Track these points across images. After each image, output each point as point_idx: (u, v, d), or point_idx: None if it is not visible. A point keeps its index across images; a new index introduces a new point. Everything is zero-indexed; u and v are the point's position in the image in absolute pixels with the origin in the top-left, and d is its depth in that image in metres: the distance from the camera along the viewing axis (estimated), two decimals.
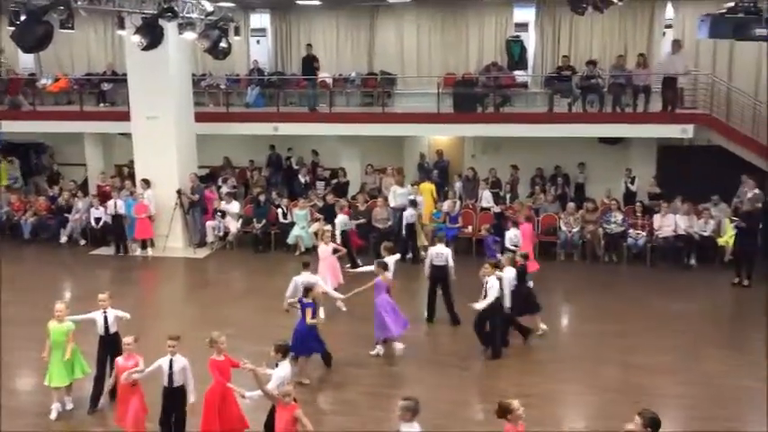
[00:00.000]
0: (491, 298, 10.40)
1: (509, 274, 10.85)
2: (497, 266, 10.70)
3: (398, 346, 10.85)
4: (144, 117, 16.38)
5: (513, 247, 13.17)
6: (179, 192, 16.46)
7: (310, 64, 19.23)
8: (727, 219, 15.10)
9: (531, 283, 11.56)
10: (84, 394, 9.30)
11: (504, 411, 6.48)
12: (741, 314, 12.94)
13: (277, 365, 7.83)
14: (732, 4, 10.45)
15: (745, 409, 9.34)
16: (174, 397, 8.04)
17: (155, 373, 8.07)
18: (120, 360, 8.40)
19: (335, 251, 12.40)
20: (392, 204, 16.37)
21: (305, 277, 10.56)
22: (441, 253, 11.91)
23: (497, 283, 10.45)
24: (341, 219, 14.83)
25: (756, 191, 15.45)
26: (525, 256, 11.52)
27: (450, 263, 11.94)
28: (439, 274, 11.92)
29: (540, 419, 8.71)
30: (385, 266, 10.83)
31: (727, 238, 14.73)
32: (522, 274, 11.10)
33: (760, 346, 11.26)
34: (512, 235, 13.58)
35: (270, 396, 7.39)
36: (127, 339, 8.43)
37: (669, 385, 9.89)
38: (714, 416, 9.01)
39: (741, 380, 9.98)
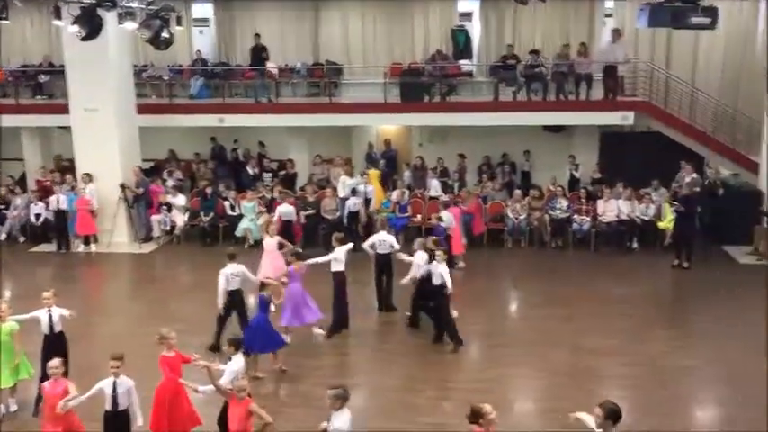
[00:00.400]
0: (436, 282, 10.54)
1: (420, 258, 11.03)
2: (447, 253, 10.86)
3: (318, 331, 11.03)
4: (83, 109, 15.94)
5: (442, 224, 13.60)
6: (122, 186, 16.10)
7: (259, 54, 18.94)
8: (666, 203, 15.57)
9: (461, 264, 11.78)
10: (29, 396, 9.05)
11: (476, 416, 6.29)
12: (681, 296, 13.40)
13: (230, 359, 7.77)
14: None
15: (686, 387, 9.68)
16: (118, 421, 7.50)
17: (95, 396, 7.47)
18: (46, 386, 7.67)
19: (281, 245, 12.29)
20: (341, 195, 16.34)
21: (231, 269, 10.40)
22: (384, 240, 11.98)
23: (445, 270, 10.57)
24: (284, 209, 14.80)
25: (694, 175, 15.96)
26: (436, 242, 11.58)
27: (397, 246, 12.07)
28: (383, 261, 12.00)
29: (492, 403, 8.80)
30: (298, 255, 10.83)
31: (667, 222, 15.20)
32: (433, 259, 11.23)
33: (699, 326, 11.71)
34: (445, 217, 13.84)
35: (223, 392, 7.32)
36: (53, 363, 7.64)
37: (615, 366, 10.20)
38: (658, 395, 9.32)
39: (683, 360, 10.35)
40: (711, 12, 10.57)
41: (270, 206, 15.97)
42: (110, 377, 7.45)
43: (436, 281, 10.60)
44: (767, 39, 16.56)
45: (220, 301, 10.38)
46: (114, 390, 7.42)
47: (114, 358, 7.49)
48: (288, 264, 10.90)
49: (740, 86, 18.55)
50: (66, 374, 7.82)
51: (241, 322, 10.51)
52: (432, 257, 11.00)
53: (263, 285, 9.94)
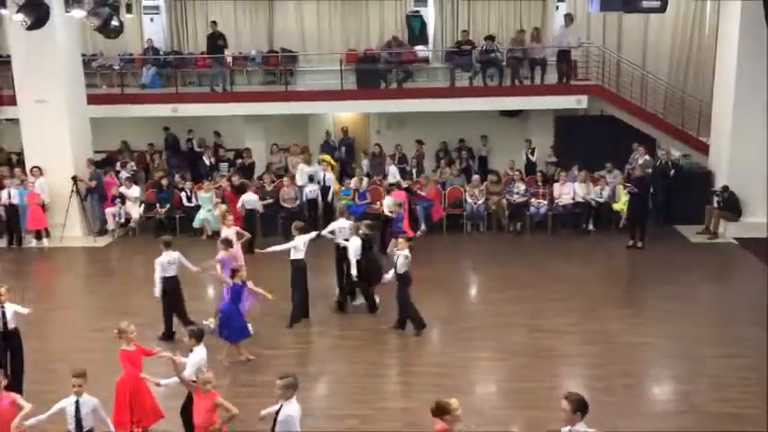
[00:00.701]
0: (399, 270, 10.61)
1: (354, 243, 11.23)
2: (410, 240, 10.88)
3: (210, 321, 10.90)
4: (32, 101, 15.51)
5: (389, 213, 13.96)
6: (74, 178, 15.74)
7: (215, 42, 18.65)
8: (620, 185, 15.88)
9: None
10: None
11: (441, 411, 5.98)
12: (636, 275, 13.70)
13: (191, 351, 7.69)
14: None
15: (643, 364, 9.91)
16: None
17: (54, 417, 6.89)
18: None
19: (239, 235, 12.15)
20: (299, 183, 16.26)
21: (167, 256, 10.40)
22: (343, 227, 12.00)
23: (407, 258, 10.62)
24: (248, 197, 14.71)
25: (647, 157, 16.29)
26: (370, 227, 11.82)
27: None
28: (343, 248, 12.00)
29: (455, 387, 8.97)
30: (228, 243, 10.80)
31: (622, 203, 15.50)
32: (366, 243, 11.44)
33: (654, 302, 11.99)
34: (389, 202, 14.15)
35: (188, 384, 7.24)
36: None
37: (573, 346, 10.39)
38: (615, 372, 9.53)
39: (639, 337, 10.59)
40: None
41: (223, 198, 15.83)
42: (71, 396, 6.87)
43: (400, 269, 10.62)
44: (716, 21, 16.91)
45: (157, 289, 10.43)
46: (77, 410, 6.83)
47: (76, 375, 6.84)
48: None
49: (689, 69, 19.02)
50: (18, 376, 7.49)
51: (178, 310, 10.56)
52: (366, 244, 11.29)
53: (233, 272, 9.81)
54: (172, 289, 10.48)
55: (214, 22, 18.89)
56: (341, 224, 12.04)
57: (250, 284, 10.02)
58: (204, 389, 6.95)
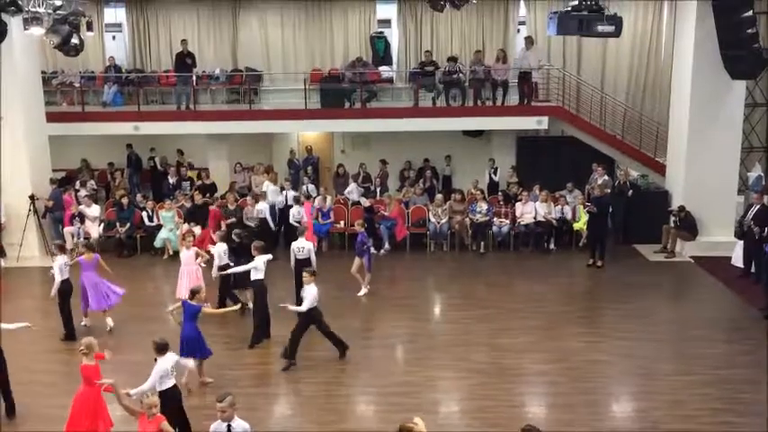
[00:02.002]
0: (306, 305, 10.23)
1: (220, 248, 11.84)
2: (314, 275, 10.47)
3: (108, 321, 11.68)
4: None
5: (296, 223, 14.95)
6: (32, 197, 15.46)
7: (184, 60, 18.56)
8: (580, 204, 16.13)
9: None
10: None
11: None
12: (595, 293, 13.87)
13: (156, 361, 7.82)
14: (576, 2, 11.17)
15: (602, 382, 10.02)
16: None
17: None
18: None
19: (198, 256, 12.05)
20: (270, 200, 16.20)
21: (63, 259, 11.29)
22: (302, 247, 12.03)
23: (314, 292, 10.30)
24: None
25: (606, 177, 16.61)
26: (239, 236, 12.49)
27: (313, 256, 12.08)
28: (303, 267, 11.97)
29: (417, 406, 8.99)
30: (89, 247, 11.91)
31: (582, 223, 15.75)
32: (241, 250, 11.98)
33: (612, 321, 12.17)
34: (295, 212, 15.41)
35: (131, 411, 7.14)
36: None
37: (534, 364, 10.48)
38: (574, 389, 9.64)
39: (598, 355, 10.73)
40: (616, 20, 11.08)
41: (195, 216, 15.63)
42: (220, 423, 6.79)
43: (308, 304, 10.29)
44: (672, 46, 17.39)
45: (54, 290, 11.24)
46: None
47: (220, 401, 6.75)
48: (81, 254, 11.80)
49: (646, 92, 19.51)
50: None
51: (63, 309, 11.35)
52: (241, 250, 11.97)
53: (193, 294, 9.72)
54: (67, 290, 11.33)
55: (184, 41, 18.83)
56: (301, 244, 12.09)
57: (207, 308, 9.94)
58: (149, 413, 6.89)
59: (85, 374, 7.95)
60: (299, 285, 12.03)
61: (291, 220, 15.49)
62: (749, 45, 13.67)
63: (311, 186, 17.40)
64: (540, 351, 10.87)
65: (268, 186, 16.49)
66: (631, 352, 10.80)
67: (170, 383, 7.89)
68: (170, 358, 7.93)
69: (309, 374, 10.25)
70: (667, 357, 10.64)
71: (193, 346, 9.57)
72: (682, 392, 9.50)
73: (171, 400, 7.83)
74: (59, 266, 11.21)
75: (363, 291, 13.24)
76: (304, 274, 10.49)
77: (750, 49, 13.70)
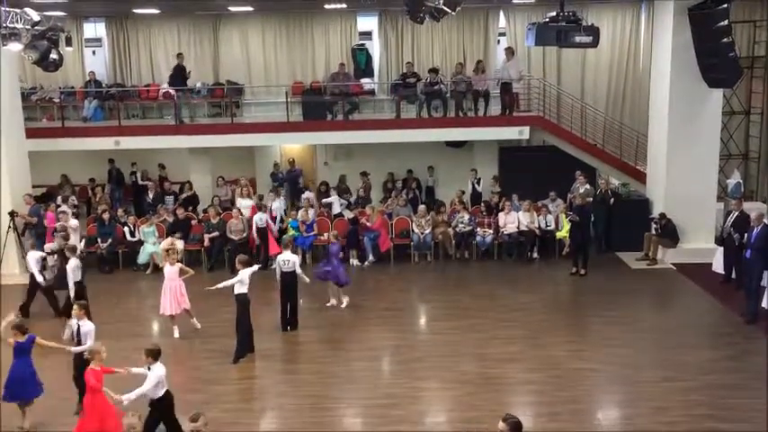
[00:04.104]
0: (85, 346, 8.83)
1: (73, 263, 11.68)
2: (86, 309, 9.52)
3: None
4: None
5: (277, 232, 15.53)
6: (12, 213, 15.30)
7: (181, 73, 18.44)
8: (563, 213, 16.22)
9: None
10: None
11: None
12: (579, 301, 13.92)
13: (149, 369, 7.84)
14: (554, 13, 11.27)
15: (587, 389, 10.05)
16: None
17: None
18: None
19: (182, 272, 11.95)
20: (247, 215, 16.16)
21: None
22: (287, 260, 12.01)
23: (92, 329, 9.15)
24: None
25: (587, 186, 16.72)
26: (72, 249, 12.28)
27: (298, 269, 12.06)
28: (288, 280, 12.00)
29: (404, 417, 8.97)
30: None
31: (565, 231, 15.83)
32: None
33: (596, 329, 12.22)
34: (257, 218, 15.39)
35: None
36: None
37: (520, 373, 10.48)
38: (559, 398, 9.63)
39: (583, 363, 10.75)
40: (593, 31, 11.17)
41: (178, 230, 15.76)
42: None
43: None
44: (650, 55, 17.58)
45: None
46: None
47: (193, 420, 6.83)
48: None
49: (625, 102, 19.70)
50: None
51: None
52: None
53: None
54: None
55: (180, 55, 18.80)
56: (286, 257, 12.05)
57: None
58: None
59: (86, 378, 8.01)
60: (285, 298, 12.04)
61: (254, 226, 15.42)
62: (726, 54, 13.85)
63: (333, 198, 17.37)
64: (525, 360, 10.87)
65: (240, 202, 16.51)
66: (616, 359, 10.83)
67: (164, 390, 7.92)
68: (161, 366, 7.95)
69: (294, 388, 10.18)
70: (651, 364, 10.68)
71: (17, 384, 8.78)
72: (666, 399, 9.53)
73: (166, 407, 7.87)
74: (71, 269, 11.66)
75: (345, 302, 13.21)
76: (75, 306, 9.45)
77: (727, 58, 13.87)
